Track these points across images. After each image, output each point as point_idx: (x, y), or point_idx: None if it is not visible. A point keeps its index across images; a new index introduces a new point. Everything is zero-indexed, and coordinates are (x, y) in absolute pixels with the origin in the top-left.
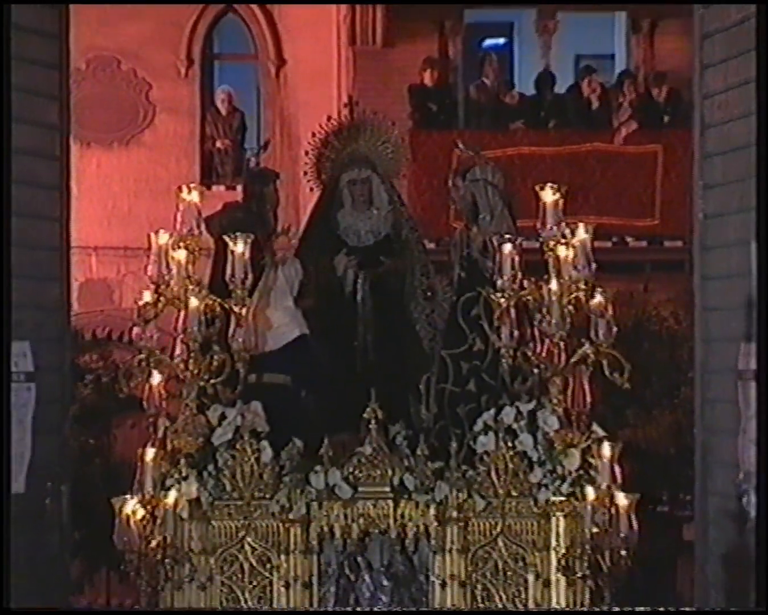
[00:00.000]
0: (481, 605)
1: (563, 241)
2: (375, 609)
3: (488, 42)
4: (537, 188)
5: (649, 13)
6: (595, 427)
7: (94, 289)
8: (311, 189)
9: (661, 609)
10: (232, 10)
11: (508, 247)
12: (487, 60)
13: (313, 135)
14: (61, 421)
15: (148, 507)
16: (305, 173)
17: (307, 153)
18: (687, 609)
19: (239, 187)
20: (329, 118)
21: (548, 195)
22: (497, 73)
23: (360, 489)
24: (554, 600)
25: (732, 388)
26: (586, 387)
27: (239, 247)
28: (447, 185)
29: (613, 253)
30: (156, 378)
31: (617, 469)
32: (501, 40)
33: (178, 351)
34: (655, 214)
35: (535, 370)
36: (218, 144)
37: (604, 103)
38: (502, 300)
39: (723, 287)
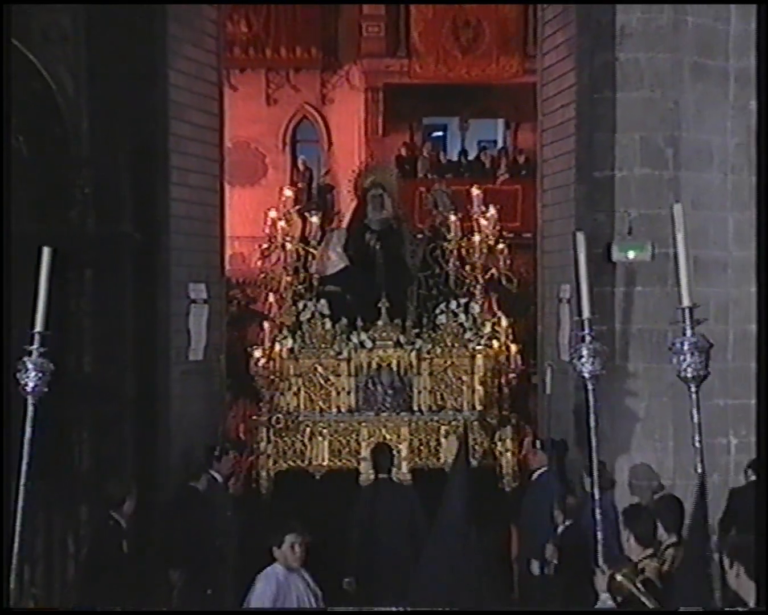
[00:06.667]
0: (440, 403)
1: (483, 215)
2: (386, 404)
3: (435, 134)
4: (468, 186)
5: (515, 118)
6: (499, 312)
7: (236, 258)
8: (352, 199)
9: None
10: (306, 119)
11: (452, 217)
12: (424, 145)
13: (353, 172)
14: (220, 324)
15: (266, 352)
16: (349, 191)
17: (350, 181)
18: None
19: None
20: (362, 163)
21: (475, 191)
22: (430, 150)
23: (377, 343)
24: (476, 400)
25: (555, 308)
26: (495, 305)
27: (314, 219)
28: (415, 201)
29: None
30: (271, 297)
31: (510, 333)
32: (441, 132)
33: (285, 276)
34: (518, 220)
35: (467, 281)
36: (299, 185)
37: (492, 164)
38: (450, 246)
39: (552, 257)
